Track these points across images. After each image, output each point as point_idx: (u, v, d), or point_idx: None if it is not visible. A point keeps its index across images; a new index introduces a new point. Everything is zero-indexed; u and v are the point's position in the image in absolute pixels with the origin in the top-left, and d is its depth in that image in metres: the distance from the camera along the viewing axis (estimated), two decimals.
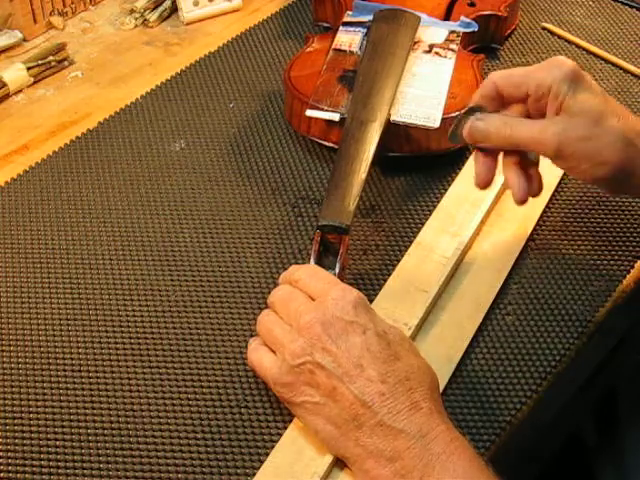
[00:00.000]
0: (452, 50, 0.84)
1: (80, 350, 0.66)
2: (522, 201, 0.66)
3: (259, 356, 0.61)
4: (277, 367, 0.59)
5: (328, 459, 0.58)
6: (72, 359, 0.65)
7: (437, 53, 0.84)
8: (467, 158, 0.81)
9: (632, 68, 0.92)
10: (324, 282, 0.61)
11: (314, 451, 0.58)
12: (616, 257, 0.73)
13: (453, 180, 0.79)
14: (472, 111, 0.67)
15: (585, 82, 0.65)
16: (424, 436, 0.54)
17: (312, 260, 0.66)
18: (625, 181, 0.66)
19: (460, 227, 0.73)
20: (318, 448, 0.58)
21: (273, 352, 0.60)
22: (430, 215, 0.76)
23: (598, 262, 0.73)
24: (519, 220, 0.75)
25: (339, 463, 0.58)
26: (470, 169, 0.80)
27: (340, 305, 0.58)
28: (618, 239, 0.75)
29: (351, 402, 0.55)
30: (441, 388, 0.62)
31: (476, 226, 0.73)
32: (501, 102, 0.67)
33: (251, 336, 0.66)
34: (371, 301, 0.67)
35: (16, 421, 0.61)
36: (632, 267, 0.73)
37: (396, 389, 0.55)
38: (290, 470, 0.58)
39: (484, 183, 0.68)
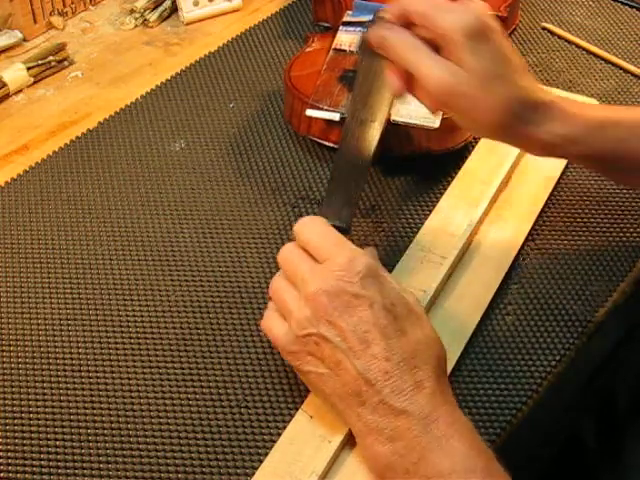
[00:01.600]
0: None
1: (80, 350, 0.66)
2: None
3: (270, 322, 0.61)
4: (284, 335, 0.59)
5: (326, 458, 0.58)
6: (72, 359, 0.65)
7: None
8: (467, 158, 0.81)
9: (632, 68, 0.92)
10: (330, 243, 0.59)
11: (312, 450, 0.58)
12: (616, 257, 0.73)
13: (453, 180, 0.79)
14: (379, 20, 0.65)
15: (490, 40, 0.62)
16: (425, 417, 0.54)
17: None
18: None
19: (457, 227, 0.73)
20: (316, 447, 0.58)
21: (284, 317, 0.60)
22: (430, 215, 0.76)
23: (598, 262, 0.73)
24: (517, 219, 0.75)
25: (337, 461, 0.58)
26: (468, 168, 0.80)
27: (347, 276, 0.57)
28: (618, 239, 0.75)
29: (355, 378, 0.55)
30: (455, 359, 0.62)
31: (474, 225, 0.73)
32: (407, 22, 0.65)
33: (251, 336, 0.66)
34: None
35: (16, 421, 0.61)
36: (632, 267, 0.73)
37: (400, 367, 0.55)
38: (288, 469, 0.58)
39: (398, 92, 0.66)
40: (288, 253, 0.61)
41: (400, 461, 0.54)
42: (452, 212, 0.75)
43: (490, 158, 0.80)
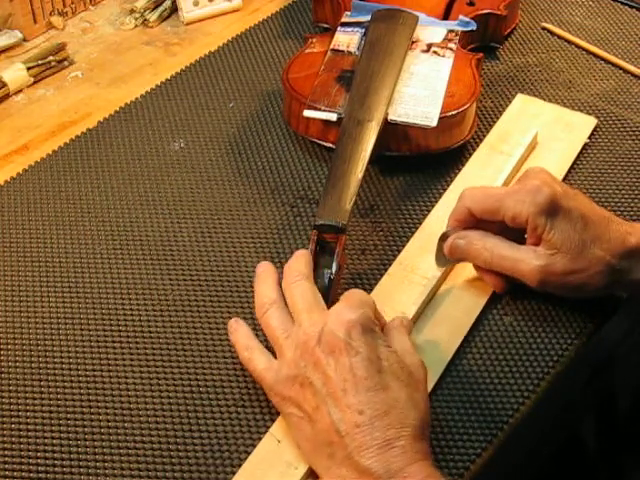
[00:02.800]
0: (450, 49, 0.84)
1: (78, 348, 0.66)
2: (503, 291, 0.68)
3: (253, 357, 0.60)
4: (274, 372, 0.58)
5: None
6: (70, 357, 0.65)
7: (435, 52, 0.84)
8: (466, 158, 0.81)
9: (632, 68, 0.92)
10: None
11: (277, 476, 0.57)
12: None
13: (452, 180, 0.79)
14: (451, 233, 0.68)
15: (562, 210, 0.64)
16: (392, 477, 0.52)
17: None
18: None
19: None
20: (281, 473, 0.57)
21: (264, 348, 0.60)
22: (429, 215, 0.76)
23: None
24: None
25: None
26: (461, 179, 0.80)
27: (339, 321, 0.57)
28: None
29: (328, 427, 0.54)
30: (432, 383, 0.61)
31: None
32: (477, 221, 0.67)
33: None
34: None
35: (13, 419, 0.61)
36: None
37: (372, 423, 0.53)
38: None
39: (500, 288, 0.68)
40: (298, 286, 0.61)
41: None
42: (439, 230, 0.71)
43: (487, 167, 0.79)
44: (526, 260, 0.64)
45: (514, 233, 0.66)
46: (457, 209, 0.68)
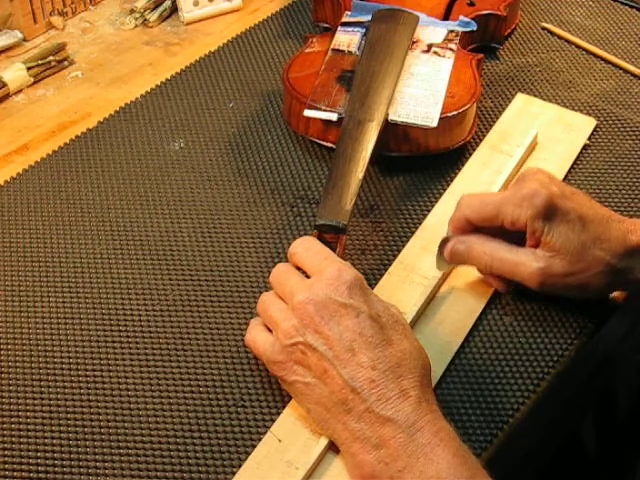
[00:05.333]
0: (451, 50, 0.84)
1: (77, 348, 0.66)
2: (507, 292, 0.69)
3: (254, 335, 0.61)
4: (270, 345, 0.59)
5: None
6: (69, 357, 0.65)
7: (436, 52, 0.84)
8: (466, 158, 0.81)
9: (632, 68, 0.92)
10: (320, 257, 0.61)
11: (278, 476, 0.57)
12: None
13: (452, 180, 0.79)
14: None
15: (560, 212, 0.63)
16: (411, 426, 0.54)
17: None
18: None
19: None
20: (283, 473, 0.58)
21: (269, 330, 0.61)
22: (429, 215, 0.76)
23: None
24: None
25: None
26: (459, 181, 0.80)
27: (334, 286, 0.58)
28: None
29: (341, 386, 0.56)
30: (434, 383, 0.62)
31: None
32: (475, 228, 0.67)
33: None
34: None
35: (13, 419, 0.61)
36: None
37: (386, 376, 0.55)
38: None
39: (504, 289, 0.68)
40: (279, 271, 0.62)
41: (385, 469, 0.54)
42: (439, 230, 0.72)
43: (487, 167, 0.79)
44: (526, 263, 0.64)
45: (515, 235, 0.66)
46: (455, 218, 0.68)
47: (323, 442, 0.58)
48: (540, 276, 0.64)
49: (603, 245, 0.63)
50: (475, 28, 0.89)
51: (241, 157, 0.82)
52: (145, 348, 0.66)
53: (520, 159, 0.79)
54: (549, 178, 0.66)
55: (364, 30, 0.86)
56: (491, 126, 0.84)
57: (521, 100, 0.87)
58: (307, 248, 0.62)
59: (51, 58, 0.91)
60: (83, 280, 0.71)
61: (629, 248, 0.64)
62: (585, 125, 0.84)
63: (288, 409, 0.61)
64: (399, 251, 0.73)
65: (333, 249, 0.66)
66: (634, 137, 0.84)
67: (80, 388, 0.63)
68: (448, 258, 0.68)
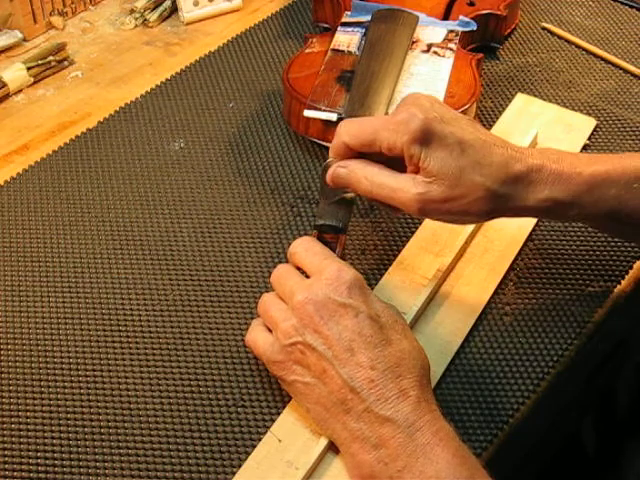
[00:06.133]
0: (451, 49, 0.84)
1: (77, 348, 0.66)
2: None
3: (254, 335, 0.62)
4: (270, 345, 0.60)
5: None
6: (69, 357, 0.65)
7: (435, 52, 0.84)
8: None
9: (632, 68, 0.92)
10: (320, 258, 0.61)
11: (278, 476, 0.58)
12: (615, 257, 0.73)
13: None
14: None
15: (437, 137, 0.61)
16: (410, 425, 0.54)
17: None
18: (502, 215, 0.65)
19: (444, 247, 0.72)
20: (283, 473, 0.58)
21: (270, 331, 0.61)
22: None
23: (597, 262, 0.73)
24: (506, 241, 0.74)
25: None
26: None
27: (334, 286, 0.58)
28: (617, 240, 0.75)
29: (340, 386, 0.56)
30: (433, 383, 0.62)
31: (460, 246, 0.72)
32: (359, 153, 0.65)
33: None
34: None
35: (13, 419, 0.61)
36: (631, 267, 0.73)
37: (385, 376, 0.55)
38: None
39: (394, 214, 0.68)
40: (279, 271, 0.62)
41: (384, 469, 0.54)
42: (439, 230, 0.73)
43: None
44: (404, 189, 0.61)
45: (399, 161, 0.63)
46: (335, 145, 0.65)
47: (323, 442, 0.58)
48: (418, 202, 0.61)
49: (483, 170, 0.61)
50: (475, 28, 0.89)
51: (241, 157, 0.82)
52: (145, 348, 0.66)
53: None
54: (430, 102, 0.63)
55: (364, 30, 0.86)
56: (491, 126, 0.84)
57: (521, 100, 0.87)
58: (307, 248, 0.62)
59: (51, 58, 0.91)
60: (83, 280, 0.71)
61: (511, 175, 0.61)
62: (585, 125, 0.84)
63: (288, 409, 0.61)
64: (399, 251, 0.73)
65: (333, 249, 0.66)
66: (634, 137, 0.84)
67: (80, 388, 0.63)
68: (330, 182, 0.65)
